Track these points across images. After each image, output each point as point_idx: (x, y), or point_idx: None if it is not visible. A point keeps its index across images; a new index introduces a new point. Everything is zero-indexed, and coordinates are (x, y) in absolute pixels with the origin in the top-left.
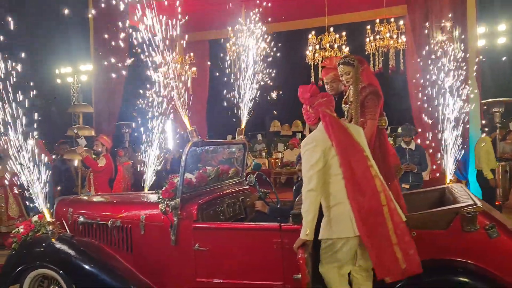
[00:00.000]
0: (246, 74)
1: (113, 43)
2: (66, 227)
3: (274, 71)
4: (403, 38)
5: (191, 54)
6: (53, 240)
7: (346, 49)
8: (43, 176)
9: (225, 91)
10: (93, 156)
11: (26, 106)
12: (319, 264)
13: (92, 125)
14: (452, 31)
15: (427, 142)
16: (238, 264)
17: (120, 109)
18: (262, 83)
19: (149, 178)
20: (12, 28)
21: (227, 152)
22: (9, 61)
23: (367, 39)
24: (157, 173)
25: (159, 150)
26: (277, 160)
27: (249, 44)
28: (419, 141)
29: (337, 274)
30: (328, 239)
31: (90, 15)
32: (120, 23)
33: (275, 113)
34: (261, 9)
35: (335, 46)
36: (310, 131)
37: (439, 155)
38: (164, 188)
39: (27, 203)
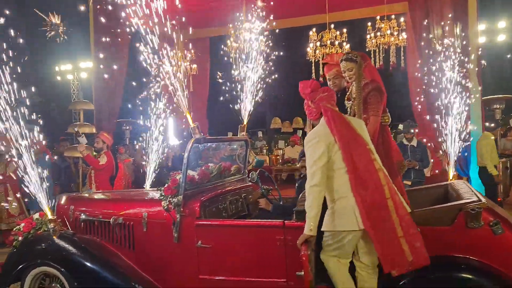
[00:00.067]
0: (248, 71)
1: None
2: (68, 224)
3: (273, 68)
4: (404, 35)
5: (192, 51)
6: (54, 237)
7: (347, 46)
8: (44, 173)
9: (226, 87)
10: (94, 153)
11: (27, 104)
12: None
13: (92, 122)
14: (453, 28)
15: (428, 142)
16: (241, 261)
17: (121, 106)
18: (262, 84)
19: (150, 174)
20: (12, 29)
21: (228, 149)
22: (10, 62)
23: (368, 36)
24: (158, 169)
25: (160, 147)
26: (278, 157)
27: (250, 39)
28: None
29: (337, 262)
30: (331, 231)
31: (89, 11)
32: (121, 20)
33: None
34: (261, 7)
35: (336, 43)
36: (313, 127)
37: (440, 152)
38: (166, 185)
39: (26, 200)
